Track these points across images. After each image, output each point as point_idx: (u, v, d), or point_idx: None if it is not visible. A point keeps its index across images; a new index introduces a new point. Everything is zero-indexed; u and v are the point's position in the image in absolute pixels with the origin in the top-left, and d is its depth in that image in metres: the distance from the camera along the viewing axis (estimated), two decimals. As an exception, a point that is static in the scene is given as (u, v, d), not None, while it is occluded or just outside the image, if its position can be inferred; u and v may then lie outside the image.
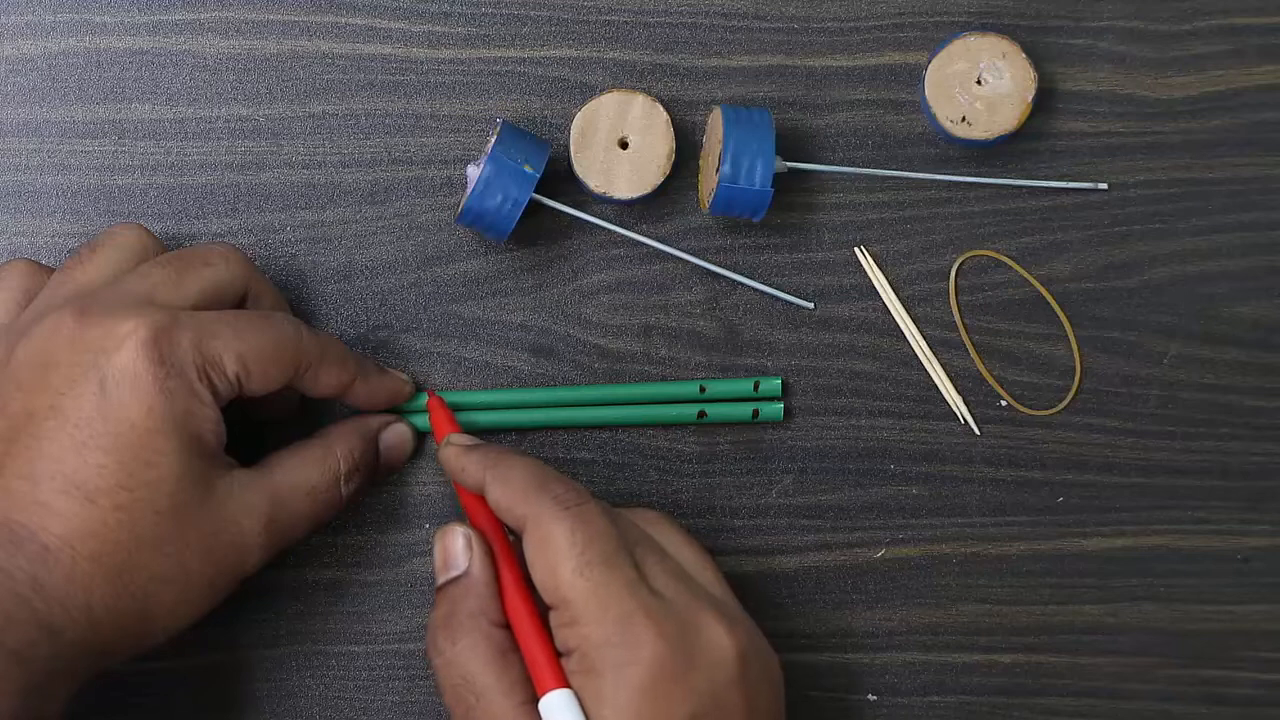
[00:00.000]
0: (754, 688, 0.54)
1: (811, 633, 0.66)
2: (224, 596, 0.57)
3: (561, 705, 0.52)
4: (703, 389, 0.65)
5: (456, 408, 0.64)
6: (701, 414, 0.65)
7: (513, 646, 0.55)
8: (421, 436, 0.65)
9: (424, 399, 0.64)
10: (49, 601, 0.52)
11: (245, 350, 0.56)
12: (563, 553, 0.53)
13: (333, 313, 0.66)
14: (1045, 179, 0.68)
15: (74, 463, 0.53)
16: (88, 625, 0.53)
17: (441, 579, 0.57)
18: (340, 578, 0.65)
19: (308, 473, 0.59)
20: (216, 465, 0.55)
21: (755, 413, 0.65)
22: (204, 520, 0.55)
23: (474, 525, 0.58)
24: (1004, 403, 0.67)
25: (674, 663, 0.52)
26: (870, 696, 0.66)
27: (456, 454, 0.59)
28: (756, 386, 0.65)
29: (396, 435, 0.63)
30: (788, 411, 0.66)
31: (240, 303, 0.59)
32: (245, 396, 0.57)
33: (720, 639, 0.53)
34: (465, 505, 0.59)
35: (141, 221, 0.65)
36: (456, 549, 0.57)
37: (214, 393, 0.55)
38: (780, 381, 0.66)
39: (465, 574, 0.56)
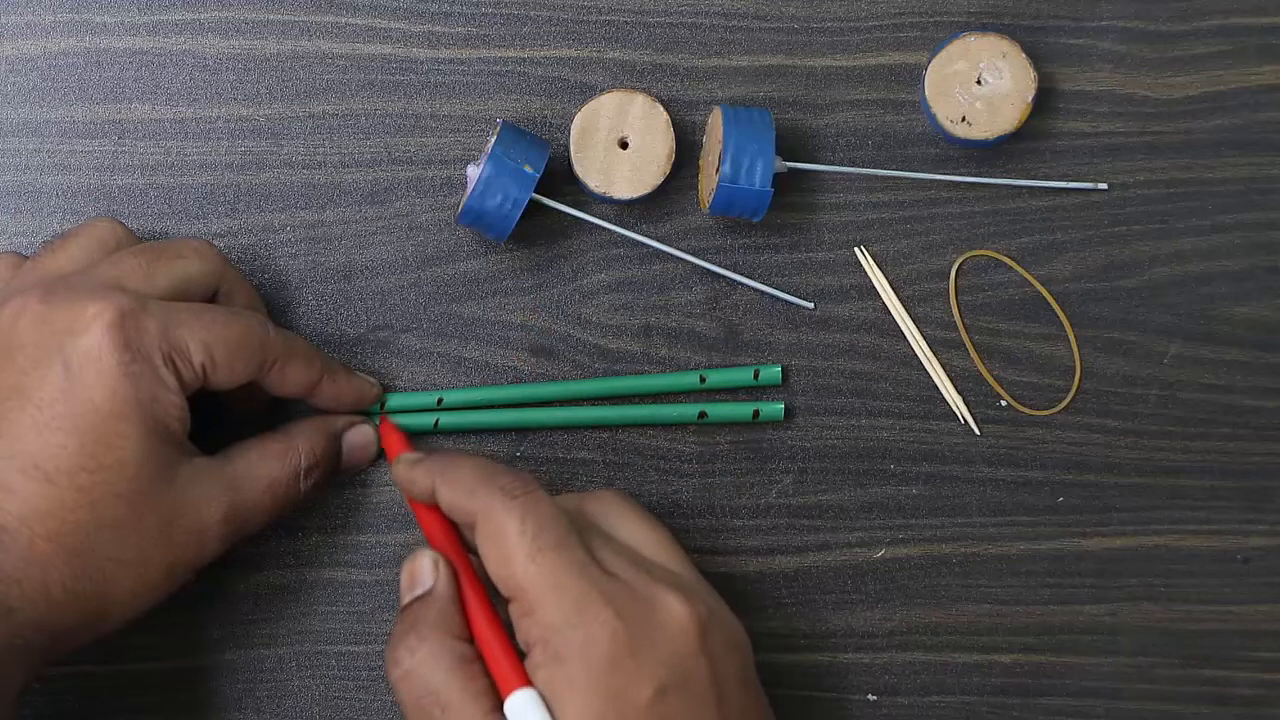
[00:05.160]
0: (718, 656, 0.54)
1: (811, 633, 0.66)
2: (180, 584, 0.57)
3: (526, 704, 0.52)
4: (703, 379, 0.65)
5: (459, 406, 0.64)
6: (702, 414, 0.65)
7: (475, 657, 0.54)
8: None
9: (392, 401, 0.64)
10: (5, 580, 0.52)
11: (211, 341, 0.56)
12: (514, 541, 0.53)
13: (333, 313, 0.66)
14: (1045, 179, 0.68)
15: (35, 443, 0.53)
16: (45, 606, 0.53)
17: (406, 599, 0.57)
18: (340, 578, 0.65)
19: (269, 465, 0.59)
20: (179, 452, 0.56)
21: (756, 413, 0.65)
22: (164, 505, 0.55)
23: (436, 548, 0.58)
24: (1004, 403, 0.67)
25: (633, 639, 0.52)
26: (870, 696, 0.66)
27: (406, 469, 0.58)
28: (756, 375, 0.65)
29: (361, 436, 0.63)
30: (788, 411, 0.66)
31: (211, 298, 0.60)
32: (211, 389, 0.57)
33: (677, 611, 0.53)
34: (425, 527, 0.59)
35: (142, 221, 0.65)
36: (424, 569, 0.56)
37: (179, 380, 0.55)
38: (780, 370, 0.66)
39: (429, 591, 0.56)
